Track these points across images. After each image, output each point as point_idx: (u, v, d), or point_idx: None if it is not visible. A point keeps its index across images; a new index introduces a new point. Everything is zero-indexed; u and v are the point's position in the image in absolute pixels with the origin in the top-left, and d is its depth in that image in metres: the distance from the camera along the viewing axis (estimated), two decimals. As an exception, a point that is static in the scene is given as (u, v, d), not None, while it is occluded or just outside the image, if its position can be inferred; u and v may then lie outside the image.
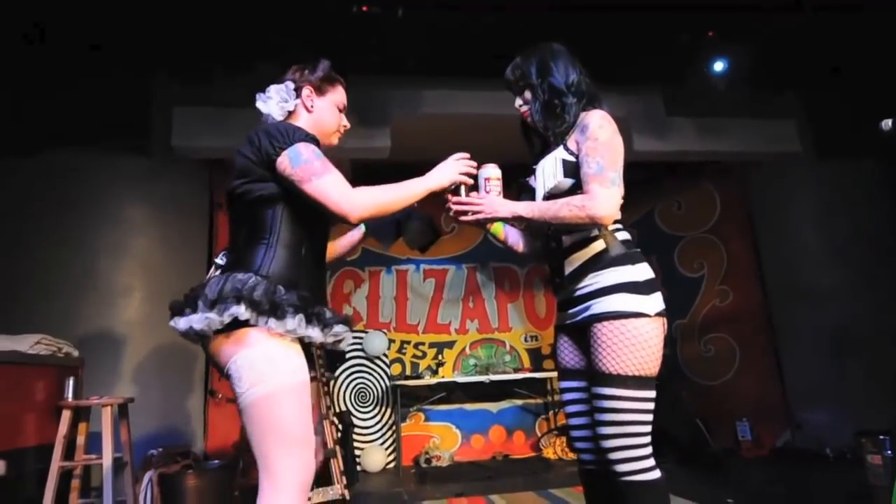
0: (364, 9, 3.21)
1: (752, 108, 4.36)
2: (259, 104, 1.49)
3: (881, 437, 2.87)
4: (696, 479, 3.50)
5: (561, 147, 1.49)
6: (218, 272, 1.43)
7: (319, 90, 1.53)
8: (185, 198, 4.06)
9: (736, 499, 3.03)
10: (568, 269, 1.48)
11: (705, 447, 4.00)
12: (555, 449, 4.71)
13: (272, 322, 1.26)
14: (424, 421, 4.89)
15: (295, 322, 1.28)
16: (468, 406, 4.99)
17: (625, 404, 1.35)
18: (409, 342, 5.05)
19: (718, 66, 3.82)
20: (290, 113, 1.50)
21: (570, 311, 1.50)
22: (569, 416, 1.56)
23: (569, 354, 1.56)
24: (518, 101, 1.63)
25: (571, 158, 1.46)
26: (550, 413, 5.08)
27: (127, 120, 3.78)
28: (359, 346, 4.85)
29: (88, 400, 2.80)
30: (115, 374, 3.50)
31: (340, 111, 1.58)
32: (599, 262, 1.43)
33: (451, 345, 5.12)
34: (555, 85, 1.52)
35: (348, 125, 1.62)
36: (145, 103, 3.90)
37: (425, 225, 1.61)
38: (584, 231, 1.45)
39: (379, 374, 4.91)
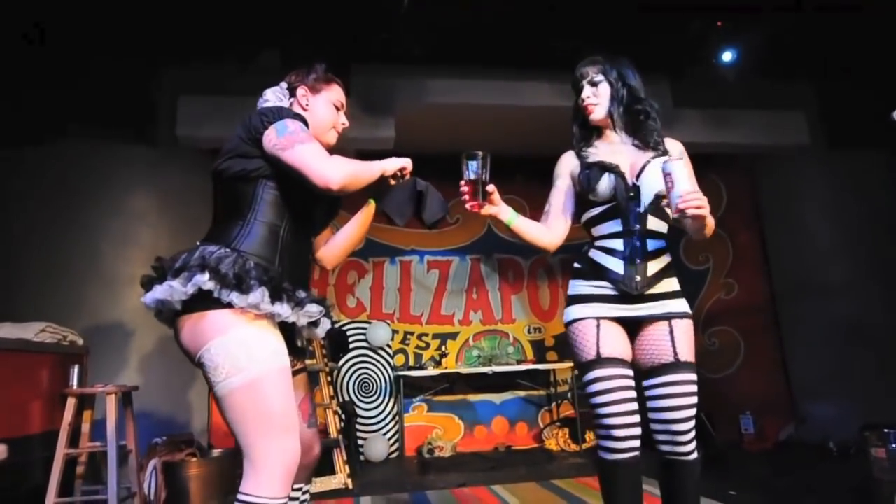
0: (369, -3, 3.17)
1: (761, 99, 4.31)
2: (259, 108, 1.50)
3: (886, 430, 2.85)
4: (700, 472, 3.48)
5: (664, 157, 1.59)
6: None
7: (314, 89, 1.54)
8: (190, 187, 4.05)
9: (739, 492, 3.02)
10: (651, 270, 1.59)
11: (709, 440, 3.98)
12: (557, 440, 4.71)
13: (234, 295, 1.21)
14: (427, 411, 4.91)
15: (257, 295, 1.23)
16: (471, 397, 4.99)
17: (695, 388, 1.57)
18: (412, 333, 5.05)
19: (726, 56, 3.77)
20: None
21: (641, 305, 1.59)
22: (616, 402, 1.52)
23: (619, 344, 1.58)
24: (587, 93, 1.67)
25: None
26: (553, 405, 5.09)
27: (132, 109, 3.77)
28: (362, 337, 4.86)
29: (93, 388, 2.82)
30: (120, 363, 3.51)
31: (338, 109, 1.58)
32: (671, 268, 1.64)
33: (454, 336, 5.12)
34: (634, 90, 1.65)
35: (347, 123, 1.61)
36: (151, 93, 3.89)
37: (441, 201, 1.59)
38: (666, 238, 1.63)
39: (382, 364, 4.91)
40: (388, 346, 4.94)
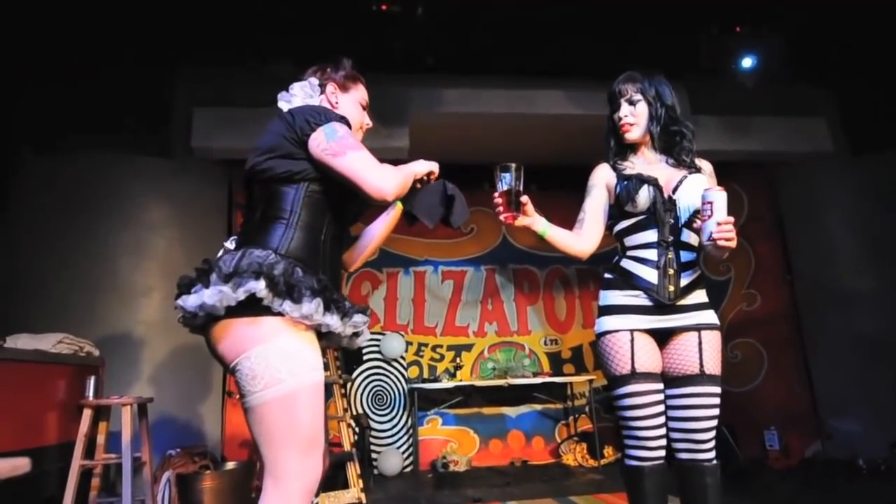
0: (384, 7, 3.18)
1: (781, 105, 4.23)
2: (281, 104, 1.46)
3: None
4: (723, 490, 3.38)
5: (701, 176, 1.65)
6: None
7: (343, 87, 1.52)
8: (204, 198, 4.09)
9: (765, 511, 2.92)
10: (683, 281, 1.62)
11: (732, 457, 3.86)
12: (575, 455, 4.62)
13: (287, 305, 1.17)
14: (442, 425, 4.85)
15: (312, 306, 1.20)
16: (486, 410, 4.92)
17: (718, 400, 1.60)
18: (426, 345, 5.01)
19: (746, 62, 3.70)
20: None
21: (672, 315, 1.62)
22: (650, 416, 1.58)
23: (652, 358, 1.61)
24: (624, 111, 1.69)
25: None
26: (570, 419, 4.99)
27: (147, 120, 3.82)
28: (376, 349, 4.83)
29: (109, 399, 2.82)
30: (135, 374, 3.52)
31: (363, 108, 1.57)
32: (701, 280, 1.67)
33: (469, 348, 5.06)
34: (671, 109, 1.68)
35: (371, 124, 1.60)
36: (166, 104, 3.94)
37: (465, 205, 1.58)
38: (697, 251, 1.66)
39: (396, 376, 4.87)
40: (402, 357, 4.90)
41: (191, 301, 1.20)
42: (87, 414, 2.67)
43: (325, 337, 1.32)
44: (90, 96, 3.57)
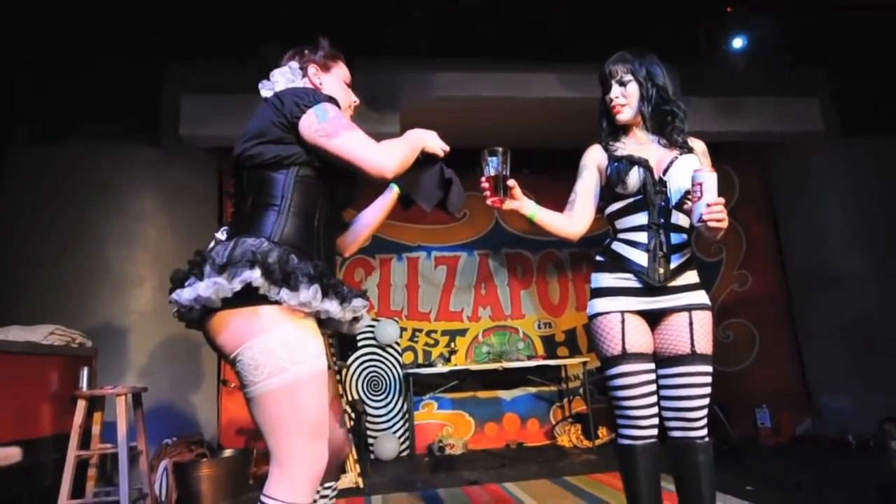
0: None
1: (773, 86, 4.22)
2: (264, 92, 1.42)
3: (907, 424, 2.78)
4: (715, 467, 3.43)
5: (692, 157, 1.64)
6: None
7: (325, 67, 1.49)
8: (194, 187, 4.05)
9: (756, 487, 2.97)
10: (674, 263, 1.62)
11: (724, 434, 3.92)
12: (569, 437, 4.67)
13: (284, 293, 1.15)
14: (437, 409, 4.88)
15: (310, 293, 1.17)
16: (481, 394, 4.96)
17: (709, 379, 1.61)
18: (421, 330, 5.03)
19: (737, 42, 3.69)
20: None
21: (662, 297, 1.63)
22: (642, 396, 1.60)
23: (643, 339, 1.63)
24: (615, 93, 1.68)
25: None
26: (565, 400, 5.04)
27: (136, 109, 3.76)
28: (371, 335, 4.84)
29: (103, 389, 2.81)
30: (128, 364, 3.51)
31: (348, 86, 1.53)
32: (692, 261, 1.67)
33: (463, 332, 5.08)
34: (663, 89, 1.66)
35: (357, 101, 1.57)
36: (155, 92, 3.88)
37: (462, 189, 1.58)
38: (688, 233, 1.66)
39: (391, 362, 4.89)
40: (397, 343, 4.91)
41: (185, 295, 1.18)
42: (81, 405, 2.67)
43: (324, 323, 1.30)
44: (79, 85, 3.52)
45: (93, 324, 3.35)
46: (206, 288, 1.14)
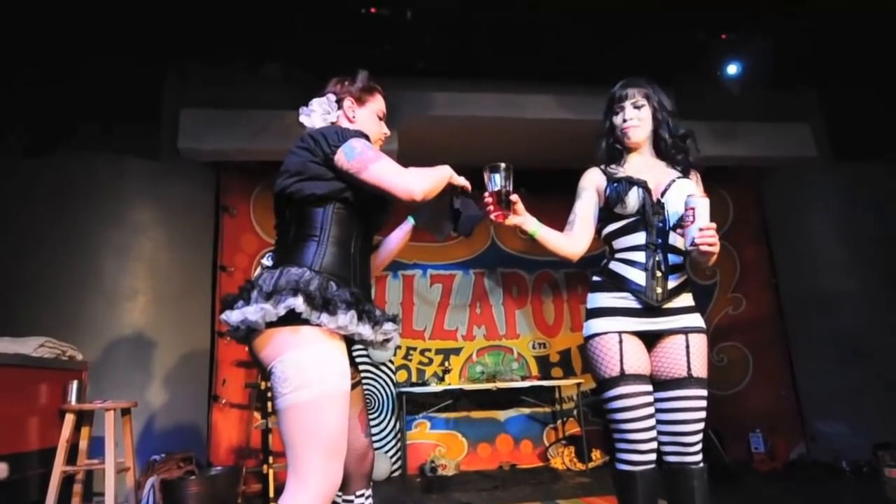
0: (373, 10, 3.19)
1: (766, 111, 4.29)
2: (302, 118, 1.55)
3: (901, 450, 2.78)
4: (709, 493, 3.40)
5: (690, 181, 1.68)
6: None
7: (360, 100, 1.59)
8: (191, 200, 4.05)
9: (750, 513, 2.94)
10: (671, 284, 1.64)
11: (718, 459, 3.90)
12: (563, 459, 4.63)
13: (324, 317, 1.27)
14: (430, 429, 4.83)
15: (347, 318, 1.29)
16: (474, 414, 4.91)
17: (704, 403, 1.62)
18: (415, 348, 5.00)
19: (731, 68, 3.76)
20: (333, 124, 1.53)
21: (659, 318, 1.63)
22: (641, 418, 1.58)
23: (641, 360, 1.62)
24: (630, 115, 1.71)
25: None
26: (558, 422, 5.00)
27: (134, 121, 3.77)
28: (364, 353, 4.81)
29: (91, 404, 2.78)
30: (119, 379, 3.46)
31: (380, 119, 1.63)
32: (688, 284, 1.69)
33: (457, 351, 5.06)
34: (672, 118, 1.71)
35: (388, 132, 1.68)
36: (154, 105, 3.90)
37: (473, 213, 1.61)
38: (684, 255, 1.67)
39: (384, 380, 4.85)
40: (391, 361, 4.88)
41: (234, 316, 1.31)
42: (69, 419, 2.64)
43: (355, 343, 1.41)
44: (78, 96, 3.53)
45: (85, 335, 3.32)
46: (254, 312, 1.27)
